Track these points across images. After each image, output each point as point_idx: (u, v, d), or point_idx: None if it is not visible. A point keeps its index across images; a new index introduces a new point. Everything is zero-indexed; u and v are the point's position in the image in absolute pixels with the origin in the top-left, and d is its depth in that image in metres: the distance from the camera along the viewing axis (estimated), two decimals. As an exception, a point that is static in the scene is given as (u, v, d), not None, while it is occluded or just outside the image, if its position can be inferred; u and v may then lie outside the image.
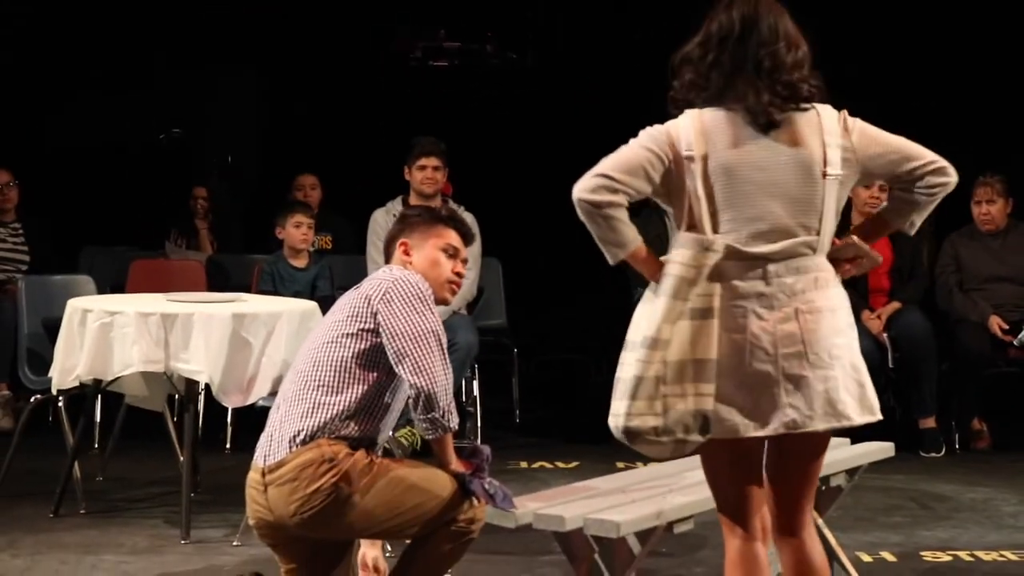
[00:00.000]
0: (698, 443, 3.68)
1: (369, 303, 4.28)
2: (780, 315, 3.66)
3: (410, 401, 4.25)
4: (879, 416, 3.77)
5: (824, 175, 3.72)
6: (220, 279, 8.86)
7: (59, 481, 6.50)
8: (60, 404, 6.66)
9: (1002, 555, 5.96)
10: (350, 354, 4.26)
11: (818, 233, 3.72)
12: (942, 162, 3.76)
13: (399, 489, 4.23)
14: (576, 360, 10.90)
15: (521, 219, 10.99)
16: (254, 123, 12.18)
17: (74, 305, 6.35)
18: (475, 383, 8.26)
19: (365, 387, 4.26)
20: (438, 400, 4.21)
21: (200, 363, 5.98)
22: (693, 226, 3.74)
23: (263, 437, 4.31)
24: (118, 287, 8.47)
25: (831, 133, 3.75)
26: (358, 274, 8.21)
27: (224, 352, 5.99)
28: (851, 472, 5.35)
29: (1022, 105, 10.48)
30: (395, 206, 8.25)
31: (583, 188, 3.86)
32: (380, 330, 4.25)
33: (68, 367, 6.27)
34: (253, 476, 4.28)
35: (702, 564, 5.78)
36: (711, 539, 6.03)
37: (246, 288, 8.21)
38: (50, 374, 6.42)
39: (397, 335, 4.22)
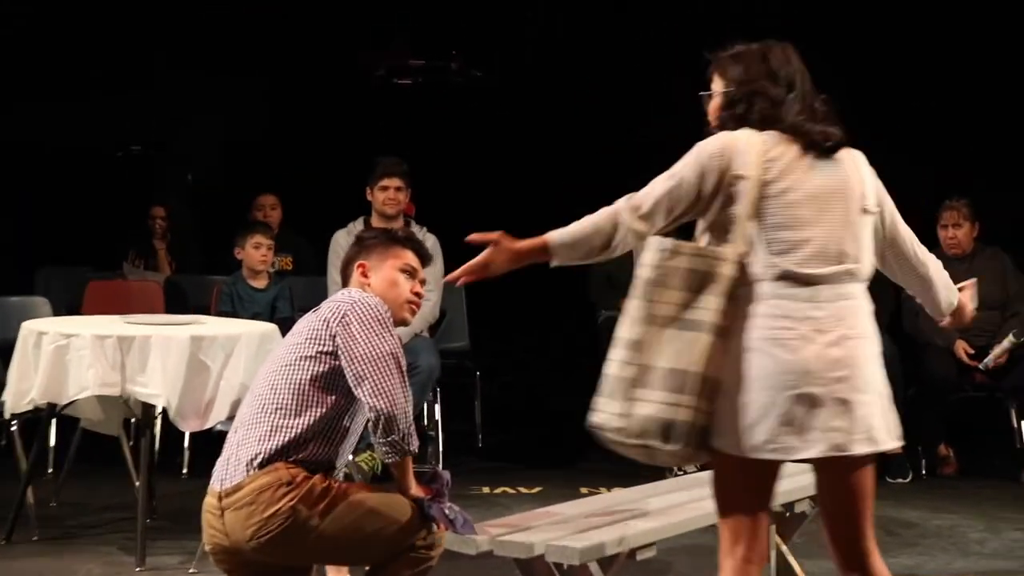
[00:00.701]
0: (668, 454, 3.79)
1: (328, 326, 4.28)
2: (829, 339, 3.73)
3: (369, 424, 4.25)
4: (902, 441, 3.87)
5: (864, 210, 3.88)
6: (178, 300, 8.85)
7: (12, 507, 6.48)
8: (14, 428, 6.64)
9: (968, 582, 6.01)
10: (308, 377, 4.26)
11: (858, 262, 3.84)
12: None
13: (358, 513, 4.23)
14: (540, 383, 10.92)
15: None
16: (214, 141, 12.17)
17: (29, 327, 6.32)
18: (437, 406, 8.27)
19: (323, 410, 4.26)
20: (398, 423, 4.21)
21: (157, 387, 5.97)
22: (726, 241, 3.80)
23: (220, 461, 4.30)
24: (74, 309, 8.46)
25: (868, 174, 3.94)
26: (319, 295, 8.20)
27: (182, 375, 5.98)
28: (814, 498, 5.36)
29: (985, 128, 10.57)
30: (357, 227, 8.26)
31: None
32: (339, 353, 4.25)
33: (22, 390, 6.25)
34: (210, 501, 4.27)
35: (665, 591, 5.80)
36: (674, 565, 6.06)
37: (205, 309, 8.20)
38: (3, 397, 6.40)
39: (356, 358, 4.23)
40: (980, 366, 8.03)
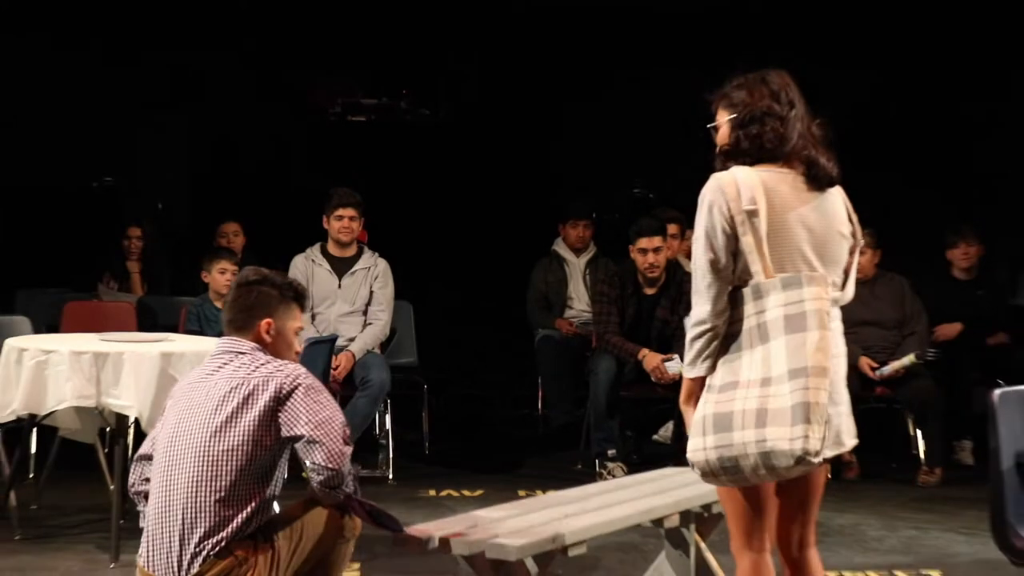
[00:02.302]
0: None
1: (268, 403, 4.15)
2: None
3: (314, 478, 4.21)
4: (856, 440, 3.92)
5: (842, 238, 3.90)
6: (149, 320, 8.83)
7: (-5, 509, 6.47)
8: (-3, 437, 6.62)
9: (867, 575, 6.07)
10: (251, 465, 4.15)
11: (840, 289, 3.88)
12: None
13: (297, 548, 4.24)
14: (482, 395, 10.95)
15: (431, 265, 11.05)
16: (183, 173, 12.16)
17: (11, 344, 6.31)
18: (387, 417, 8.27)
19: (263, 489, 4.19)
20: (345, 478, 4.22)
21: (130, 399, 5.96)
22: (734, 274, 3.77)
23: (160, 546, 4.14)
24: (53, 327, 8.41)
25: (848, 208, 3.95)
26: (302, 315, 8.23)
27: (153, 388, 5.96)
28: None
29: (887, 167, 10.70)
30: (314, 252, 8.28)
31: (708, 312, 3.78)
32: (282, 428, 4.15)
33: (5, 402, 6.23)
34: None
35: (595, 585, 5.84)
36: (603, 561, 6.10)
37: (174, 328, 8.19)
38: (-12, 409, 6.39)
39: (305, 427, 4.14)
40: (876, 375, 8.13)
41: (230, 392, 4.21)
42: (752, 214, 3.75)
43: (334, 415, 4.22)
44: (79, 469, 7.26)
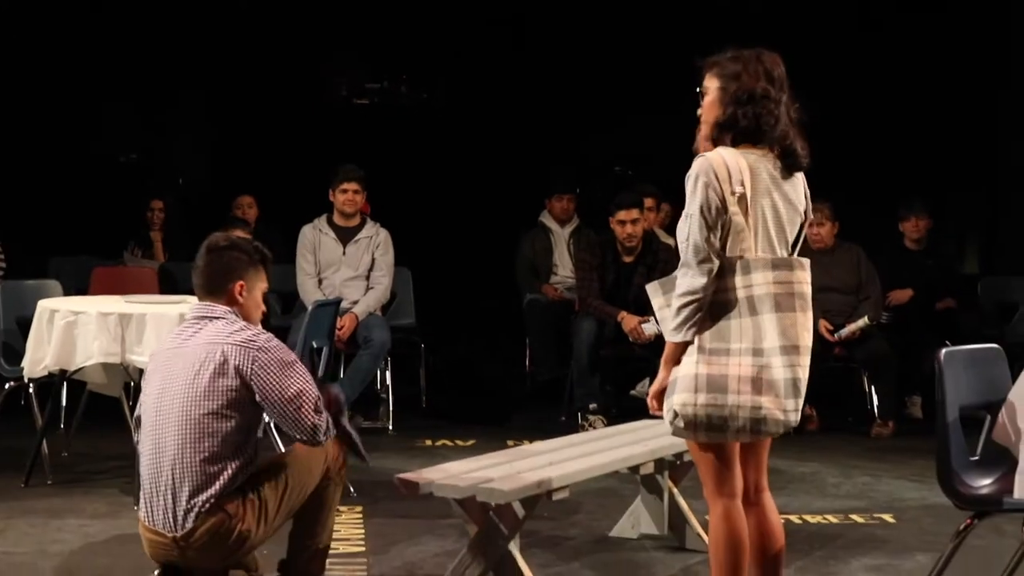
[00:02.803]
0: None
1: (239, 375, 4.08)
2: None
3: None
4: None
5: (803, 219, 3.90)
6: (170, 284, 8.78)
7: (30, 456, 6.44)
8: (31, 390, 6.59)
9: (825, 518, 6.06)
10: (233, 426, 4.09)
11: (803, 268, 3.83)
12: None
13: (286, 496, 4.20)
14: (474, 354, 10.94)
15: (429, 234, 11.04)
16: (203, 149, 12.14)
17: (43, 306, 6.29)
18: (388, 373, 8.25)
19: (246, 447, 4.14)
20: (320, 437, 4.17)
21: (152, 356, 5.95)
22: (719, 249, 3.71)
23: (155, 502, 4.11)
24: (82, 290, 8.37)
25: (806, 189, 3.91)
26: (289, 281, 8.22)
27: (173, 346, 5.94)
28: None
29: (843, 146, 10.68)
30: (321, 222, 8.25)
31: (702, 285, 3.71)
32: (256, 397, 4.10)
33: (38, 358, 6.23)
34: (159, 540, 4.12)
35: (576, 526, 5.83)
36: (583, 505, 6.10)
37: (193, 292, 8.14)
38: (22, 364, 6.38)
39: (277, 403, 4.10)
40: (835, 337, 8.12)
41: (206, 358, 4.11)
42: (742, 196, 3.71)
43: (302, 389, 4.12)
44: (105, 420, 7.24)
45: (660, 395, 3.84)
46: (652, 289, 3.95)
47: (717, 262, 3.70)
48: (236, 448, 4.12)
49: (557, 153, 11.52)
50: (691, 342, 3.76)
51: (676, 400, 3.74)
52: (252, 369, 4.09)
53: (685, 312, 3.73)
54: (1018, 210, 10.69)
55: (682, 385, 3.74)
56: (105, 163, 11.56)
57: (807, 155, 3.86)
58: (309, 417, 4.13)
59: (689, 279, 3.72)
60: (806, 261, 3.82)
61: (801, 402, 3.76)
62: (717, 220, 3.69)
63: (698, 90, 3.90)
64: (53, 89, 10.97)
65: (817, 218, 8.31)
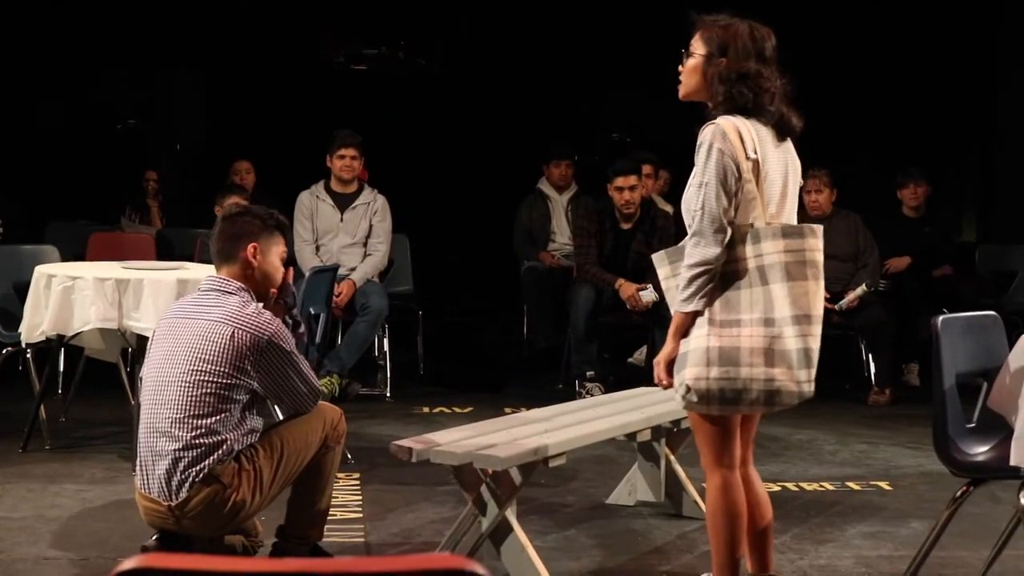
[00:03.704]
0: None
1: (245, 359, 4.08)
2: None
3: None
4: None
5: (797, 185, 3.88)
6: (168, 250, 8.78)
7: (27, 421, 6.45)
8: (28, 356, 6.59)
9: (822, 485, 6.08)
10: (228, 396, 4.08)
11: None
12: None
13: (282, 465, 4.21)
14: (471, 321, 10.94)
15: (427, 201, 11.02)
16: (200, 115, 12.11)
17: (40, 271, 6.28)
18: (386, 340, 8.25)
19: (244, 421, 4.15)
20: (309, 407, 4.29)
21: (149, 321, 5.92)
22: (732, 218, 3.68)
23: (151, 471, 4.11)
24: (79, 256, 8.38)
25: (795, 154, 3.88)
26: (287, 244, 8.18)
27: (170, 312, 5.94)
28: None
29: (844, 115, 10.65)
30: (318, 189, 8.23)
31: (715, 255, 3.67)
32: (255, 376, 4.11)
33: (35, 324, 6.22)
34: (155, 508, 4.13)
35: (573, 493, 5.84)
36: (580, 472, 6.11)
37: (190, 258, 8.15)
38: (20, 330, 6.36)
39: (274, 391, 4.17)
40: (836, 308, 8.11)
41: (215, 335, 4.10)
42: (755, 163, 3.69)
43: (302, 383, 4.21)
44: (103, 386, 7.25)
45: (668, 366, 3.79)
46: (658, 259, 3.90)
47: (730, 231, 3.67)
48: (235, 422, 4.12)
49: (555, 119, 11.50)
50: (701, 313, 3.72)
51: (688, 374, 3.70)
52: (259, 361, 4.11)
53: (697, 283, 3.68)
54: (1016, 178, 10.68)
55: (694, 359, 3.70)
56: (102, 128, 11.53)
57: (800, 124, 3.83)
58: (305, 407, 4.26)
59: (702, 248, 3.67)
60: (818, 228, 3.78)
61: (814, 372, 3.72)
62: (735, 188, 3.67)
63: (683, 50, 3.86)
64: (51, 55, 10.94)
65: (815, 185, 8.30)
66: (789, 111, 3.80)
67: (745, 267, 3.70)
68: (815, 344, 3.71)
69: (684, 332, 3.75)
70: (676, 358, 3.77)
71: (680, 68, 3.87)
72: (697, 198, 3.68)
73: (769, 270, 3.68)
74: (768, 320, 3.67)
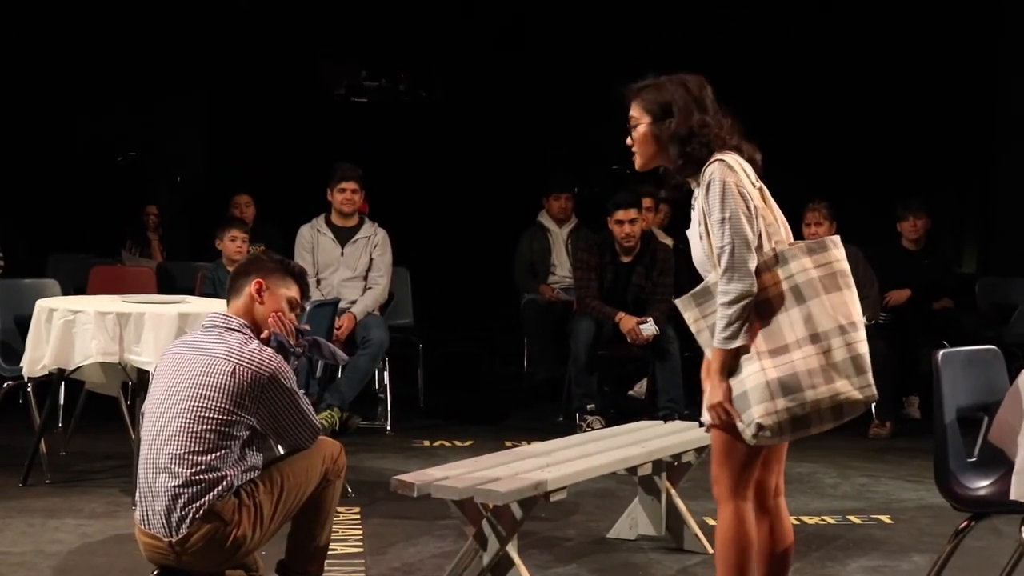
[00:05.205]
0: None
1: (246, 396, 4.08)
2: None
3: None
4: None
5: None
6: (168, 283, 8.79)
7: (28, 455, 6.45)
8: (29, 389, 6.60)
9: (823, 519, 6.08)
10: (232, 438, 4.08)
11: None
12: None
13: (282, 500, 4.21)
14: (472, 353, 10.95)
15: (427, 235, 11.05)
16: (200, 148, 12.14)
17: (42, 304, 6.30)
18: (386, 373, 8.25)
19: (245, 457, 4.14)
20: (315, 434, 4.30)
21: (150, 355, 5.94)
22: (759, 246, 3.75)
23: (151, 507, 4.11)
24: (80, 289, 8.37)
25: None
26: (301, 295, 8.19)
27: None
28: (699, 450, 5.43)
29: (843, 146, 10.69)
30: (319, 222, 8.25)
31: (751, 284, 3.69)
32: (255, 413, 4.11)
33: (36, 357, 6.23)
34: (156, 544, 4.12)
35: (574, 527, 5.83)
36: (581, 505, 6.11)
37: (191, 291, 8.16)
38: (21, 363, 6.38)
39: (274, 428, 4.18)
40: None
41: (217, 371, 4.10)
42: (761, 190, 3.77)
43: (302, 421, 4.22)
44: (103, 419, 7.26)
45: (720, 407, 3.73)
46: (684, 304, 3.86)
47: (756, 260, 3.70)
48: (235, 458, 4.12)
49: (555, 152, 11.53)
50: (747, 348, 3.70)
51: (756, 412, 3.67)
52: (260, 397, 4.11)
53: (739, 317, 3.67)
54: (1016, 210, 10.71)
55: (756, 396, 3.67)
56: (103, 161, 11.57)
57: (759, 157, 3.88)
58: (307, 433, 4.26)
59: (736, 283, 3.67)
60: (837, 238, 3.83)
61: (871, 375, 3.73)
62: (755, 217, 3.71)
63: (629, 125, 3.94)
64: (51, 88, 10.98)
65: (815, 218, 8.31)
66: (749, 146, 3.85)
67: (778, 291, 3.72)
68: (864, 349, 3.74)
69: (728, 371, 3.73)
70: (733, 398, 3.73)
71: (628, 142, 3.94)
72: (721, 234, 3.69)
73: (804, 288, 3.71)
74: (814, 336, 3.69)
